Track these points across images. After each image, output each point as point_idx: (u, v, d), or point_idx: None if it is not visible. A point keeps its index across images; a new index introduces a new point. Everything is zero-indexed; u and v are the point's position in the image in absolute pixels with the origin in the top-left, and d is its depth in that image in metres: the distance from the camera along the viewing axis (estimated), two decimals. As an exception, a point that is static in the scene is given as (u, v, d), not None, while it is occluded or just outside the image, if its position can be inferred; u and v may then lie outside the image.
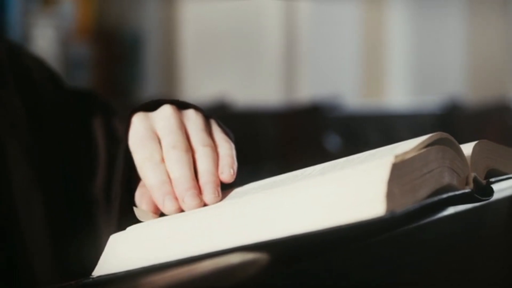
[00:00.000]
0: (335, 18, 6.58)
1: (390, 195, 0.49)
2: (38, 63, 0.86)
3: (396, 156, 0.51)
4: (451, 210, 0.62)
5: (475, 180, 0.58)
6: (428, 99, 5.57)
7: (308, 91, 6.30)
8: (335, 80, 6.45)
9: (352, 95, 6.13)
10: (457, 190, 0.56)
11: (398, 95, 6.58)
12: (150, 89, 6.41)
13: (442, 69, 6.56)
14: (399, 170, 0.51)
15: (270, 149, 4.29)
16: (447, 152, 0.56)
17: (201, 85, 6.30)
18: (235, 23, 6.50)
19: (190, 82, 6.47)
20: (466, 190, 0.57)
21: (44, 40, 5.99)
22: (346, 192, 0.50)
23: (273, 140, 4.38)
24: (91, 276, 0.54)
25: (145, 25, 6.51)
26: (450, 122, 4.38)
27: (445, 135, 0.57)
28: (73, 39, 6.26)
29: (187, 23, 6.49)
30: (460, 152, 0.58)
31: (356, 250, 0.53)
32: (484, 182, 0.60)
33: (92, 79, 6.33)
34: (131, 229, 0.58)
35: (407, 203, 0.50)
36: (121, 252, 0.55)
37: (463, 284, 0.63)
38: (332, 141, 4.24)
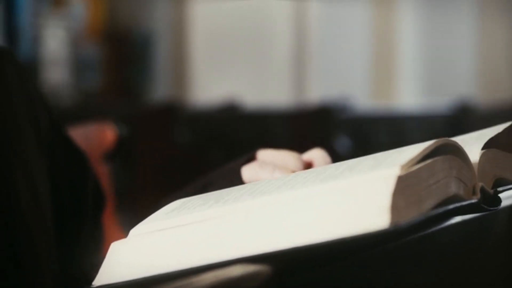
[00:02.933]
0: (345, 19, 6.56)
1: (395, 208, 0.48)
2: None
3: (402, 168, 0.51)
4: (458, 218, 0.61)
5: (482, 190, 0.57)
6: (438, 100, 5.55)
7: (318, 92, 6.29)
8: (345, 81, 6.43)
9: (362, 97, 6.12)
10: (464, 200, 0.55)
11: (408, 97, 6.56)
12: (160, 89, 6.41)
13: (453, 70, 6.53)
14: (404, 182, 0.50)
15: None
16: (454, 161, 0.55)
17: (211, 86, 6.29)
18: (245, 24, 6.49)
19: (200, 83, 6.47)
20: (473, 201, 0.56)
21: (55, 41, 6.00)
22: (350, 203, 0.50)
23: (283, 141, 4.37)
24: (91, 286, 0.54)
25: (155, 26, 6.51)
26: (460, 123, 4.36)
27: (451, 141, 0.56)
28: (83, 40, 6.27)
29: (197, 24, 6.48)
30: (467, 161, 0.57)
31: (360, 261, 0.52)
32: (491, 191, 0.59)
33: (102, 80, 6.34)
34: (133, 235, 0.57)
35: (412, 215, 0.50)
36: (122, 260, 0.55)
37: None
38: (342, 142, 4.23)
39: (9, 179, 0.74)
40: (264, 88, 6.38)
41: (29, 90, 0.84)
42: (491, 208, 0.58)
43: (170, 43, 6.54)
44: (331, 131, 4.33)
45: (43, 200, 0.77)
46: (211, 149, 4.09)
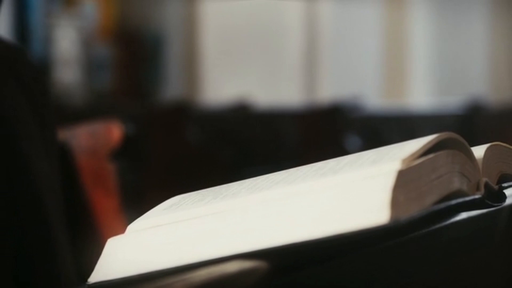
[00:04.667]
0: (357, 19, 6.55)
1: (395, 203, 0.47)
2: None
3: (403, 162, 0.49)
4: (464, 215, 0.60)
5: (486, 185, 0.56)
6: (450, 99, 5.53)
7: (329, 92, 6.28)
8: (356, 81, 6.42)
9: (373, 96, 6.10)
10: (467, 196, 0.54)
11: (419, 96, 6.54)
12: (171, 89, 6.42)
13: (464, 69, 6.51)
14: (405, 176, 0.49)
15: (291, 149, 4.28)
16: (457, 156, 0.54)
17: (222, 85, 6.29)
18: (257, 23, 6.48)
19: (211, 82, 6.47)
20: (476, 196, 0.54)
21: (66, 41, 6.01)
22: (350, 199, 0.48)
23: (294, 140, 4.37)
24: (87, 283, 0.53)
25: (167, 26, 6.52)
26: (472, 122, 4.34)
27: (455, 136, 0.54)
28: (95, 40, 6.28)
29: (209, 23, 6.48)
30: (471, 156, 0.56)
31: (361, 258, 0.51)
32: (496, 187, 0.57)
33: (114, 80, 6.35)
34: (131, 231, 0.56)
35: (414, 210, 0.48)
36: (119, 256, 0.54)
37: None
38: (353, 141, 4.21)
39: (9, 182, 0.74)
40: (275, 88, 6.37)
41: (40, 90, 0.84)
42: (496, 204, 0.56)
43: (181, 43, 6.54)
44: (342, 130, 4.32)
45: (58, 194, 0.77)
46: (222, 148, 4.08)
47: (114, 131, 1.39)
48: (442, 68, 6.58)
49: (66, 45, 6.04)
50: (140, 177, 3.61)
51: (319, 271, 0.48)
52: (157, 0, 6.46)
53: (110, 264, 0.54)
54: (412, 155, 0.50)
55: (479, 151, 0.58)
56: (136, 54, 6.43)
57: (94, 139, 1.38)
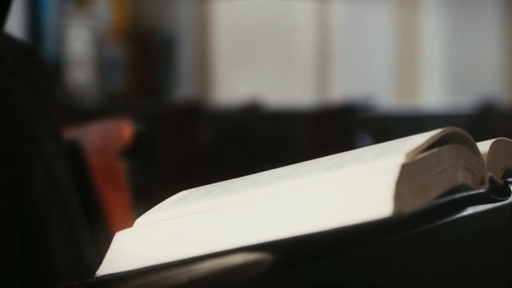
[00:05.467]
0: (369, 19, 6.54)
1: (398, 196, 0.47)
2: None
3: (407, 156, 0.50)
4: (470, 210, 0.60)
5: (491, 180, 0.56)
6: (462, 99, 5.52)
7: (341, 91, 6.28)
8: (368, 80, 6.41)
9: (385, 96, 6.10)
10: (472, 190, 0.54)
11: (432, 96, 6.53)
12: (183, 89, 6.43)
13: (477, 69, 6.49)
14: (408, 170, 0.49)
15: (302, 149, 4.28)
16: (461, 151, 0.54)
17: (234, 85, 6.30)
18: (269, 23, 6.49)
19: (223, 82, 6.48)
20: (481, 190, 0.55)
21: (79, 41, 6.03)
22: (353, 192, 0.49)
23: (305, 140, 4.37)
24: (95, 275, 0.54)
25: (179, 26, 6.53)
26: (484, 122, 4.33)
27: (459, 130, 0.55)
28: (107, 40, 6.29)
29: (221, 24, 6.49)
30: (476, 151, 0.56)
31: (366, 252, 0.51)
32: (501, 182, 0.57)
33: (126, 80, 6.36)
34: (138, 225, 0.57)
35: (417, 204, 0.49)
36: (126, 250, 0.55)
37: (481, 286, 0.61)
38: (365, 141, 4.21)
39: (26, 169, 0.75)
40: (287, 87, 6.37)
41: (47, 88, 0.85)
42: (500, 199, 0.57)
43: (193, 43, 6.55)
44: (354, 129, 4.32)
45: (63, 190, 0.78)
46: (234, 148, 4.09)
47: (124, 130, 1.40)
48: (454, 67, 6.57)
49: (79, 45, 6.06)
50: (151, 176, 3.62)
51: (323, 264, 0.48)
52: (170, 0, 6.47)
53: (118, 257, 0.55)
54: (416, 149, 0.51)
55: (484, 146, 0.59)
56: (149, 54, 6.45)
57: (105, 137, 1.39)
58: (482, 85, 6.25)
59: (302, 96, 6.00)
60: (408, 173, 0.49)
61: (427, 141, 0.52)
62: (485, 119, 4.37)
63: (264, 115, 4.62)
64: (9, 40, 0.83)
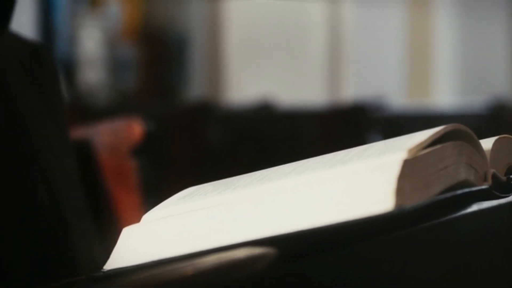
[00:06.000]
0: (380, 19, 6.54)
1: (400, 192, 0.48)
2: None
3: (409, 152, 0.51)
4: (473, 207, 0.60)
5: (494, 176, 0.57)
6: (474, 99, 5.51)
7: (352, 91, 6.28)
8: (380, 80, 6.41)
9: (396, 95, 6.09)
10: (474, 186, 0.55)
11: (443, 95, 6.52)
12: (195, 89, 6.44)
13: (488, 69, 6.48)
14: (411, 166, 0.50)
15: (313, 149, 4.28)
16: (464, 147, 0.55)
17: (246, 85, 6.30)
18: (280, 24, 6.49)
19: (235, 82, 6.48)
20: (483, 187, 0.55)
21: (91, 41, 6.04)
22: (356, 188, 0.50)
23: (317, 139, 4.37)
24: (102, 270, 0.54)
25: (191, 26, 6.54)
26: (496, 122, 4.32)
27: (462, 127, 0.55)
28: (119, 40, 6.31)
29: (232, 24, 6.50)
30: (479, 148, 0.57)
31: (369, 248, 0.52)
32: (504, 178, 0.58)
33: (138, 80, 6.37)
34: (145, 221, 0.58)
35: (419, 199, 0.49)
36: (133, 245, 0.56)
37: (486, 283, 0.62)
38: (376, 141, 4.20)
39: (22, 170, 0.76)
40: (298, 87, 6.38)
41: (56, 88, 0.86)
42: (503, 195, 0.57)
43: (205, 43, 6.56)
44: (365, 129, 4.32)
45: (59, 191, 0.78)
46: (244, 148, 4.09)
47: (135, 128, 1.40)
48: (466, 67, 6.56)
49: (91, 45, 6.07)
50: (162, 175, 3.63)
51: (326, 259, 0.49)
52: (182, 1, 6.49)
53: (125, 252, 0.56)
54: (419, 145, 0.51)
55: (487, 143, 0.59)
56: (161, 54, 6.46)
57: (115, 136, 1.40)
58: (494, 85, 6.23)
59: (314, 96, 6.01)
60: (410, 169, 0.49)
61: (430, 137, 0.52)
62: (496, 119, 4.36)
63: (275, 115, 4.62)
64: (16, 39, 0.84)
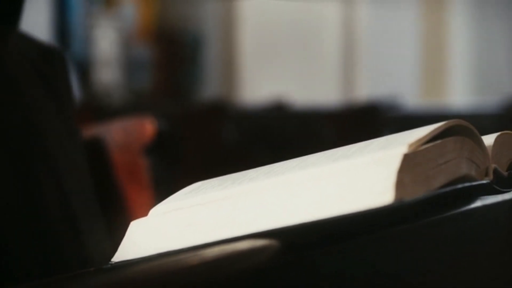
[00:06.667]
0: (395, 18, 6.53)
1: (400, 185, 0.49)
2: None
3: (409, 146, 0.51)
4: (475, 203, 0.61)
5: (495, 171, 0.57)
6: (489, 99, 5.50)
7: (366, 91, 6.27)
8: (394, 80, 6.40)
9: (411, 95, 6.08)
10: (475, 181, 0.56)
11: (458, 95, 6.50)
12: (210, 89, 6.45)
13: (503, 69, 6.46)
14: (411, 160, 0.50)
15: (327, 148, 4.27)
16: (466, 143, 0.56)
17: (259, 85, 6.31)
18: (294, 24, 6.50)
19: (249, 82, 6.49)
20: (484, 181, 0.56)
21: (106, 41, 6.07)
22: (357, 182, 0.50)
23: (331, 139, 4.37)
24: (110, 262, 0.56)
25: (205, 27, 6.55)
26: (510, 121, 4.31)
27: (464, 123, 0.56)
28: (134, 41, 6.33)
29: (247, 24, 6.51)
30: (480, 143, 0.57)
31: (371, 241, 0.52)
32: (505, 173, 0.59)
33: (153, 80, 6.40)
34: (152, 214, 0.59)
35: (419, 193, 0.50)
36: (140, 239, 0.57)
37: (488, 279, 0.62)
38: (389, 141, 4.20)
39: (29, 166, 0.77)
40: (312, 87, 6.38)
41: (66, 89, 0.87)
42: (504, 190, 0.58)
43: (219, 43, 6.58)
44: (379, 129, 4.31)
45: (70, 188, 0.80)
46: (258, 147, 4.10)
47: (147, 127, 1.41)
48: (481, 67, 6.54)
49: (106, 45, 6.09)
50: (175, 173, 3.64)
51: (328, 251, 0.49)
52: (196, 1, 6.50)
53: (132, 245, 0.57)
54: (419, 140, 0.52)
55: (489, 139, 0.60)
56: (175, 54, 6.47)
57: (128, 134, 1.41)
58: (509, 85, 6.21)
59: (328, 96, 6.01)
60: (410, 163, 0.50)
61: (430, 132, 0.53)
62: (511, 119, 4.35)
63: (289, 115, 4.63)
64: (27, 40, 0.85)
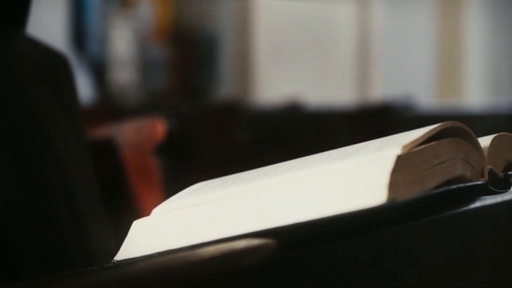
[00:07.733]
0: (410, 19, 6.52)
1: (393, 185, 0.50)
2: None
3: (403, 148, 0.52)
4: (473, 203, 0.61)
5: (491, 172, 0.58)
6: (504, 99, 5.48)
7: (381, 91, 6.27)
8: (409, 81, 6.39)
9: (426, 96, 6.07)
10: (470, 182, 0.56)
11: (473, 96, 6.48)
12: (225, 89, 6.47)
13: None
14: (405, 161, 0.51)
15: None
16: (461, 144, 0.56)
17: (275, 85, 6.32)
18: (309, 24, 6.50)
19: (264, 82, 6.50)
20: (479, 182, 0.57)
21: (122, 41, 6.10)
22: (352, 182, 0.51)
23: (345, 140, 4.36)
24: (112, 261, 0.57)
25: (221, 27, 6.57)
26: (525, 122, 4.29)
27: (459, 125, 0.57)
28: (150, 41, 6.36)
29: (262, 24, 6.52)
30: (476, 144, 0.58)
31: (366, 242, 0.53)
32: (501, 174, 0.59)
33: (169, 80, 6.42)
34: (155, 213, 0.60)
35: (414, 193, 0.51)
36: (143, 237, 0.58)
37: (483, 280, 0.63)
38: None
39: (41, 168, 0.79)
40: (327, 87, 6.38)
41: (72, 92, 0.89)
42: (500, 191, 0.59)
43: (235, 44, 6.59)
44: (394, 129, 4.30)
45: (74, 187, 0.81)
46: (272, 147, 4.11)
47: (158, 128, 1.43)
48: (496, 67, 6.52)
49: (122, 46, 6.12)
50: (188, 173, 3.66)
51: (323, 250, 0.51)
52: (212, 1, 6.52)
53: (134, 244, 0.58)
54: (414, 141, 0.53)
55: (486, 141, 0.61)
56: (191, 55, 6.49)
57: (139, 135, 1.43)
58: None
59: (342, 96, 6.01)
60: (404, 164, 0.51)
61: (425, 134, 0.54)
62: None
63: (304, 115, 4.63)
64: (34, 43, 0.86)
